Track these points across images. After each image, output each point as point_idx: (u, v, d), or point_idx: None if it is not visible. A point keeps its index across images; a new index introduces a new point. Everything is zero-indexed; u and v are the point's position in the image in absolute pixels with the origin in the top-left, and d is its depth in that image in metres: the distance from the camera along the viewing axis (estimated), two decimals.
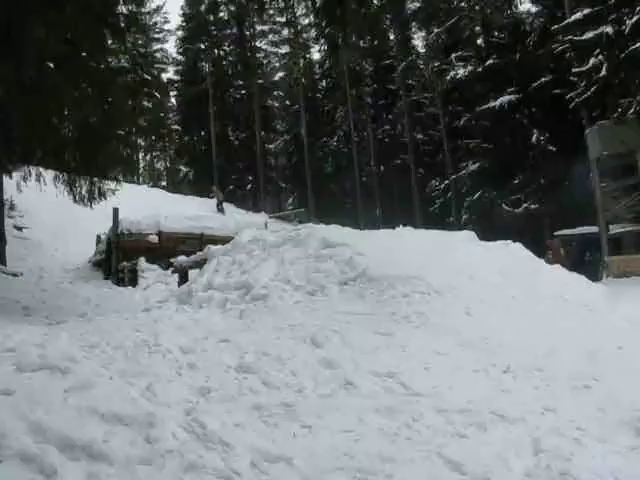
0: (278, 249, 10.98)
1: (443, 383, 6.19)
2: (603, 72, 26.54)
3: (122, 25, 14.26)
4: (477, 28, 39.32)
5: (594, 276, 22.90)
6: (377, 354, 6.86)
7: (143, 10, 52.79)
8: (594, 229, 27.15)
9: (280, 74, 60.98)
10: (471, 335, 7.53)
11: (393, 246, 10.71)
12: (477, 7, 39.20)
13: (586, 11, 27.38)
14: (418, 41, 49.99)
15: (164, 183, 62.67)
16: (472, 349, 7.22)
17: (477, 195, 33.58)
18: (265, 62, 59.57)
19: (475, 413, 5.55)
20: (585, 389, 6.46)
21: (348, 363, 6.48)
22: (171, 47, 60.68)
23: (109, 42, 14.46)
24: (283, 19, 56.02)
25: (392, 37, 49.17)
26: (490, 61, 34.15)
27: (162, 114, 57.79)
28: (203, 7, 55.45)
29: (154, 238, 23.12)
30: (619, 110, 26.09)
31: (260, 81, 55.67)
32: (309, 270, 9.87)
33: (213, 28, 55.67)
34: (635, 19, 24.77)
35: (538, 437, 5.19)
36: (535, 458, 4.87)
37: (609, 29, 25.74)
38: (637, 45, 24.44)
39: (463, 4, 39.79)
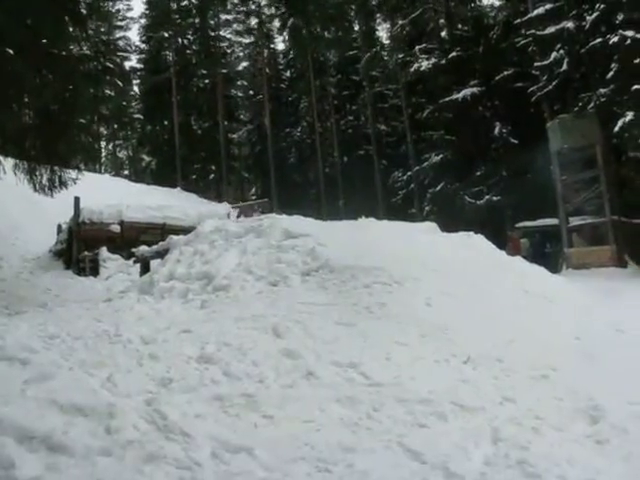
0: (240, 239, 10.94)
1: (404, 373, 6.24)
2: (564, 66, 26.86)
3: (83, 12, 14.06)
4: (441, 21, 39.53)
5: (554, 268, 23.24)
6: (339, 344, 6.88)
7: None
8: (554, 221, 27.47)
9: (244, 64, 60.65)
10: (432, 326, 7.58)
11: (355, 237, 10.73)
12: (441, 0, 39.40)
13: (548, 6, 27.67)
14: (382, 33, 50.17)
15: (126, 172, 62.08)
16: (433, 339, 7.28)
17: (440, 187, 33.76)
18: (229, 51, 59.17)
19: (435, 403, 5.61)
20: (543, 379, 6.56)
21: (310, 353, 6.50)
22: (134, 35, 59.88)
23: (70, 29, 14.23)
24: (247, 8, 55.80)
25: (356, 28, 49.20)
26: (454, 54, 34.30)
27: (124, 103, 57.22)
28: None
29: (116, 228, 22.91)
30: (579, 104, 26.41)
31: (224, 70, 55.29)
32: (271, 260, 9.86)
33: (177, 16, 55.11)
34: (595, 15, 25.10)
35: (497, 426, 5.27)
36: (494, 447, 4.95)
37: (570, 24, 26.04)
38: (597, 41, 24.75)
39: None
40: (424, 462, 4.65)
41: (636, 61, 23.67)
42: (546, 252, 27.32)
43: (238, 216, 26.40)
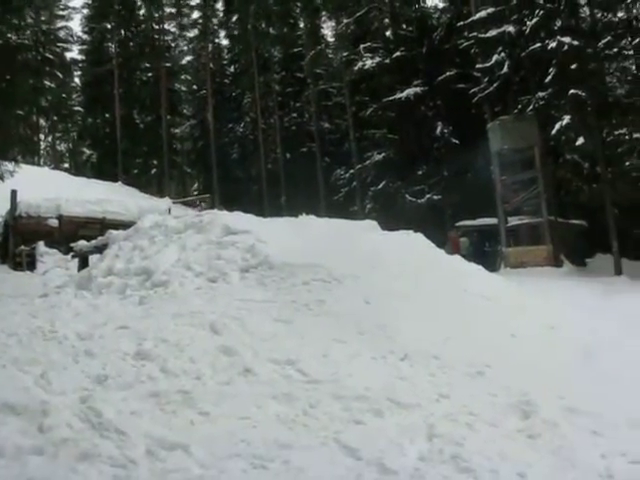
0: (180, 235, 10.87)
1: (341, 370, 6.29)
2: (505, 69, 27.38)
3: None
4: (386, 20, 39.79)
5: (492, 266, 23.65)
6: (277, 341, 6.91)
7: None
8: (494, 221, 27.93)
9: (188, 58, 60.11)
10: (370, 323, 7.65)
11: (296, 234, 10.75)
12: (386, 0, 39.67)
13: (490, 10, 28.15)
14: (327, 31, 50.23)
15: (66, 165, 61.01)
16: (371, 337, 7.35)
17: (381, 185, 33.98)
18: (173, 45, 58.58)
19: (372, 400, 5.67)
20: (479, 375, 6.69)
21: (247, 350, 6.51)
22: (76, 26, 58.80)
23: (7, 17, 13.94)
24: (192, 2, 55.39)
25: (302, 25, 49.18)
26: (398, 53, 34.61)
27: (64, 95, 56.22)
28: None
29: (54, 222, 22.57)
30: (519, 106, 26.95)
31: (167, 64, 54.74)
32: (211, 257, 9.82)
33: (120, 7, 54.28)
34: (535, 21, 25.63)
35: (432, 423, 5.36)
36: (429, 443, 5.03)
37: (511, 28, 26.56)
38: (536, 45, 25.30)
39: None
40: (359, 458, 4.70)
41: (573, 66, 24.28)
42: (485, 251, 27.77)
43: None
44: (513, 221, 27.55)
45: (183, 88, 59.52)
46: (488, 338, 7.90)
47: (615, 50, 26.91)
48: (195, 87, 57.25)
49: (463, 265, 11.39)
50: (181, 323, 7.29)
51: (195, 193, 51.76)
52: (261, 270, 9.32)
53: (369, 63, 35.54)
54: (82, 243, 15.15)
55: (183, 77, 59.53)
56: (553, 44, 24.46)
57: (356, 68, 36.58)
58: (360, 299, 8.35)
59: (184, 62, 59.96)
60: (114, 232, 12.60)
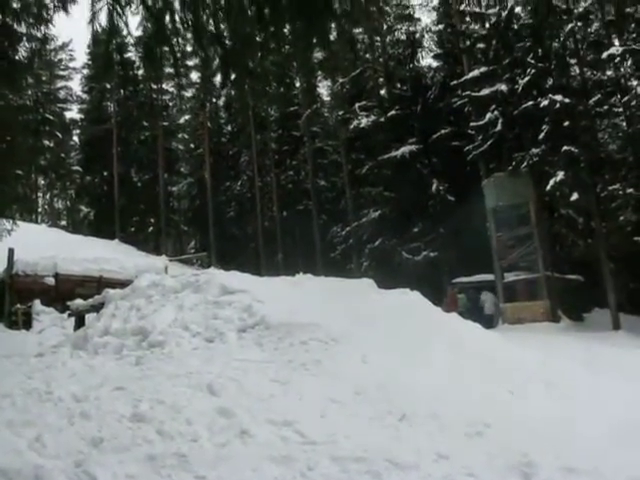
0: (177, 294, 10.87)
1: (339, 431, 6.23)
2: (498, 127, 27.73)
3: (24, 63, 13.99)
4: (380, 80, 40.42)
5: (490, 323, 23.62)
6: (274, 402, 6.86)
7: (48, 47, 52.11)
8: (490, 277, 27.96)
9: (186, 117, 60.80)
10: (368, 383, 7.61)
11: (292, 293, 10.77)
12: (381, 59, 40.38)
13: (483, 69, 28.66)
14: (323, 89, 50.96)
15: (64, 223, 61.21)
16: (369, 396, 7.30)
17: (378, 242, 34.10)
18: (171, 104, 59.32)
19: (370, 461, 5.61)
20: (477, 435, 6.62)
21: (244, 412, 6.46)
22: (76, 85, 59.77)
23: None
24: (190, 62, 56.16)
25: (298, 85, 49.88)
26: (392, 112, 35.07)
27: (63, 154, 56.71)
28: (110, 47, 54.64)
29: (50, 280, 22.53)
30: (513, 163, 27.22)
31: (165, 123, 55.37)
32: (208, 316, 9.82)
33: (120, 68, 55.07)
34: (526, 79, 26.10)
35: None
36: None
37: (504, 87, 26.99)
38: (529, 103, 25.70)
39: (367, 56, 40.87)
40: None
41: (565, 124, 24.64)
42: (483, 307, 27.71)
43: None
44: (510, 277, 27.59)
45: (180, 147, 60.10)
46: (486, 396, 7.86)
47: (605, 107, 27.37)
48: (192, 146, 57.78)
49: (459, 323, 11.39)
50: (178, 384, 7.25)
51: (192, 251, 51.81)
52: (258, 330, 9.31)
53: (364, 122, 36.03)
54: (79, 302, 15.13)
55: (181, 136, 60.14)
56: (545, 102, 24.88)
57: (352, 126, 37.09)
58: (357, 359, 8.33)
59: (182, 121, 60.64)
60: (111, 291, 12.59)
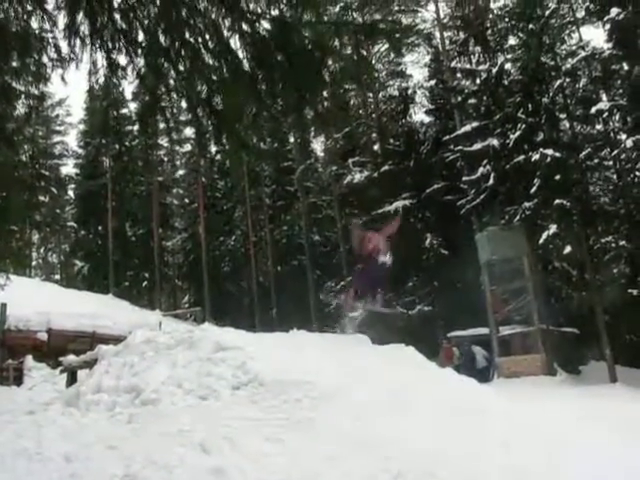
0: (170, 351, 10.80)
1: None
2: (491, 181, 28.00)
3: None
4: (373, 135, 40.92)
5: (486, 377, 23.52)
6: (268, 462, 6.78)
7: (45, 104, 52.74)
8: (485, 331, 27.93)
9: (181, 172, 61.24)
10: (362, 440, 7.53)
11: (287, 349, 10.71)
12: (374, 115, 40.91)
13: (474, 124, 29.08)
14: (317, 145, 51.47)
15: (58, 277, 61.10)
16: (363, 454, 7.22)
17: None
18: (166, 159, 59.80)
19: None
20: None
21: (238, 471, 6.39)
22: (72, 140, 60.24)
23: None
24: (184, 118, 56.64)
25: (292, 140, 50.38)
26: (386, 167, 35.46)
27: (57, 210, 56.93)
28: (106, 102, 55.42)
29: (43, 335, 22.40)
30: (506, 217, 27.44)
31: (160, 178, 55.73)
32: (201, 374, 9.75)
33: (115, 123, 55.67)
34: (517, 134, 26.47)
35: None
36: None
37: (495, 142, 27.36)
38: (520, 157, 26.05)
39: (360, 112, 41.42)
40: None
41: (556, 177, 24.92)
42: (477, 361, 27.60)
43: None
44: (505, 330, 27.56)
45: (175, 201, 60.39)
46: (481, 451, 7.79)
47: (596, 161, 27.72)
48: (187, 200, 58.07)
49: (454, 378, 11.33)
50: (170, 443, 7.17)
51: (186, 306, 51.67)
52: (252, 387, 9.25)
53: (358, 177, 36.42)
54: (71, 358, 15.01)
55: (175, 191, 60.46)
56: (536, 156, 25.23)
57: (345, 182, 37.43)
58: (351, 415, 8.26)
59: (176, 176, 61.06)
60: (104, 347, 12.50)
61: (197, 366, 10.04)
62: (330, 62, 5.42)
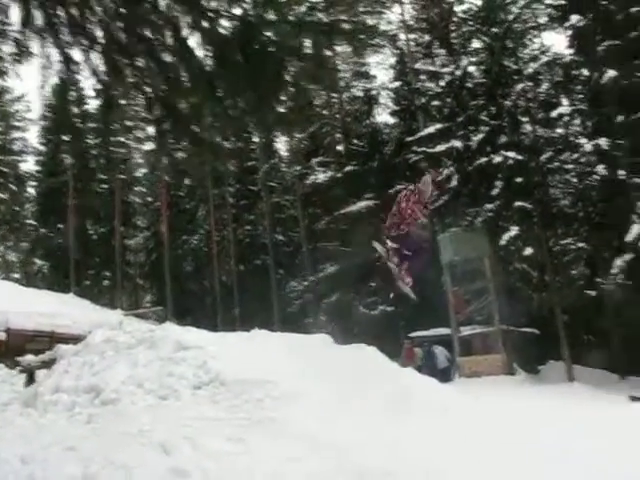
0: (131, 350, 10.73)
1: None
2: (454, 182, 28.17)
3: None
4: (337, 135, 40.94)
5: (447, 376, 23.69)
6: (229, 462, 6.76)
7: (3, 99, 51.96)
8: (447, 331, 28.11)
9: (143, 170, 60.69)
10: (324, 440, 7.54)
11: (248, 349, 10.70)
12: (337, 115, 40.95)
13: (438, 126, 29.26)
14: (281, 145, 51.34)
15: (17, 276, 60.16)
16: (325, 454, 7.22)
17: (335, 297, 34.12)
18: (128, 157, 59.20)
19: None
20: None
21: (199, 472, 6.35)
22: (32, 136, 59.25)
23: None
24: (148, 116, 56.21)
25: (256, 140, 50.21)
26: (349, 167, 35.48)
27: (17, 207, 56.09)
28: (69, 99, 54.70)
29: (1, 335, 22.06)
30: (468, 218, 27.63)
31: (122, 176, 55.18)
32: (162, 373, 9.69)
33: (78, 120, 54.98)
34: (480, 137, 26.69)
35: None
36: None
37: (458, 144, 27.54)
38: (482, 160, 26.27)
39: (324, 112, 41.42)
40: None
41: (518, 180, 25.21)
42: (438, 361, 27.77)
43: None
44: (466, 331, 27.76)
45: (137, 200, 59.79)
46: (440, 448, 7.86)
47: (556, 164, 28.04)
48: (149, 199, 57.54)
49: (414, 378, 11.42)
50: (130, 443, 7.11)
51: (148, 305, 51.19)
52: (213, 387, 9.22)
53: (322, 177, 36.40)
54: (29, 358, 14.83)
55: (138, 189, 59.88)
56: (498, 158, 25.48)
57: (309, 182, 37.39)
58: (312, 415, 8.28)
59: (139, 174, 60.50)
60: (63, 346, 12.38)
61: (158, 365, 9.98)
62: (292, 62, 5.40)
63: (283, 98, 5.68)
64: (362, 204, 33.44)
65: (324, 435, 7.69)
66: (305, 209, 40.99)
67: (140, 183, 59.63)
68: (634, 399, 17.39)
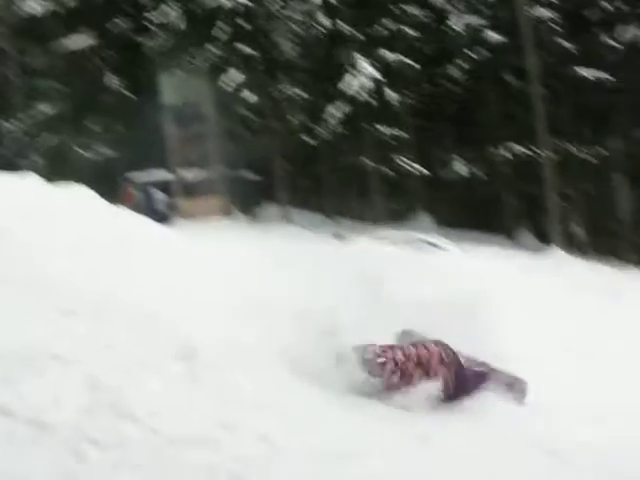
0: None
1: None
2: (179, 25, 27.41)
3: None
4: None
5: (166, 218, 23.86)
6: None
7: None
8: (167, 174, 28.09)
9: None
10: (31, 281, 7.20)
11: None
12: None
13: None
14: None
15: None
16: (34, 293, 6.95)
17: (52, 139, 32.37)
18: None
19: (30, 357, 5.38)
20: (148, 319, 6.77)
21: None
22: None
23: None
24: None
25: None
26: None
27: None
28: None
29: None
30: (193, 61, 27.24)
31: None
32: None
33: None
34: None
35: (94, 374, 5.25)
36: (90, 394, 4.95)
37: None
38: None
39: None
40: (16, 418, 4.50)
41: (243, 25, 25.08)
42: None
43: None
44: (185, 174, 27.92)
45: None
46: (160, 287, 7.95)
47: (283, 12, 28.21)
48: None
49: (130, 217, 11.32)
50: None
51: None
52: None
53: (38, 8, 33.30)
54: None
55: None
56: (228, 3, 24.99)
57: (20, 11, 34.12)
58: (19, 257, 7.81)
59: None
60: None
61: None
62: None
63: None
64: (82, 41, 31.40)
65: (31, 277, 7.33)
66: (18, 42, 37.42)
67: None
68: (336, 236, 18.94)
